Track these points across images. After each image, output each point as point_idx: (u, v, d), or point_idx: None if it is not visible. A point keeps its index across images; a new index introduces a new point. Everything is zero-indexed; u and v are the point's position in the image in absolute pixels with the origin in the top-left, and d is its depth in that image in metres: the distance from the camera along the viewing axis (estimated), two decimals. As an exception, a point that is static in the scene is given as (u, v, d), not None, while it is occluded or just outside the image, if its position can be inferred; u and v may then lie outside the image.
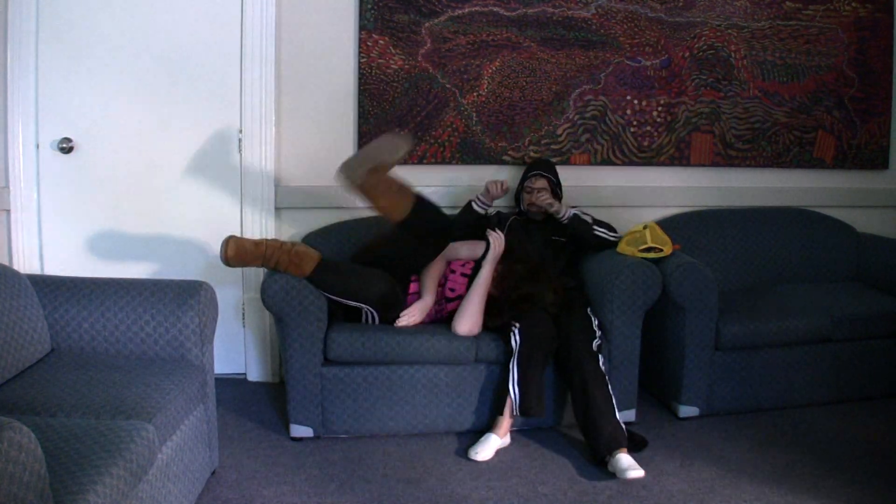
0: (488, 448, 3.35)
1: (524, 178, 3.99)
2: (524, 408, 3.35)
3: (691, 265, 3.66)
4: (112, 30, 3.81)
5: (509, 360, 3.40)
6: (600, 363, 3.43)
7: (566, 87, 4.24)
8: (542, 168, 3.98)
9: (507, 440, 3.45)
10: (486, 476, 3.20)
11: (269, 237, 3.72)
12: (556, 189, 3.94)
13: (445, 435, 3.53)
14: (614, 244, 3.84)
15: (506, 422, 3.42)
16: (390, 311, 3.48)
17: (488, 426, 3.47)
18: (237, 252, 3.27)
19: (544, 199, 3.83)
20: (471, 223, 3.88)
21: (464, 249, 3.70)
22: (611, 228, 3.90)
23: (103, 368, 2.69)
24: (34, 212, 3.86)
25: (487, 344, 3.47)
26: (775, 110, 4.50)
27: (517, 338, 3.39)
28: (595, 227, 3.83)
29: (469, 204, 3.94)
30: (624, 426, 3.35)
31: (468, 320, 3.46)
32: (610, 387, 3.40)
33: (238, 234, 3.57)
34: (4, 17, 3.70)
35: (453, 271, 3.66)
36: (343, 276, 3.40)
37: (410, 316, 3.50)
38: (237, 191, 4.01)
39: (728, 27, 4.37)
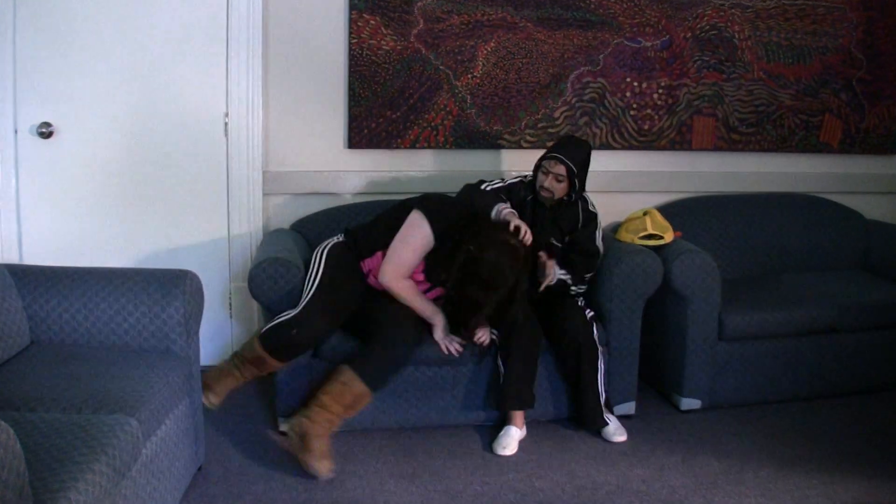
0: (512, 441, 3.39)
1: (544, 157, 3.59)
2: (506, 401, 3.41)
3: (693, 253, 3.66)
4: (92, 10, 3.77)
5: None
6: (594, 333, 3.48)
7: (563, 68, 4.22)
8: (566, 151, 3.53)
9: (524, 431, 3.48)
10: (480, 471, 3.20)
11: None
12: (575, 179, 3.52)
13: (439, 429, 3.53)
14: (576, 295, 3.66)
15: (519, 413, 3.46)
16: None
17: (503, 420, 3.49)
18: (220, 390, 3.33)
19: (549, 269, 3.50)
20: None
21: (411, 255, 3.38)
22: (586, 269, 3.60)
23: (85, 361, 2.68)
24: (12, 199, 3.83)
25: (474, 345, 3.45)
26: (780, 93, 4.49)
27: (496, 332, 3.44)
28: (573, 287, 3.58)
29: (490, 194, 3.56)
30: (604, 395, 3.51)
31: None
32: (601, 361, 3.50)
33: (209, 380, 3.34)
34: (-21, -4, 3.68)
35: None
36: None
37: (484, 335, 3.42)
38: (223, 176, 3.99)
39: (731, 6, 4.35)
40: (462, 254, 3.21)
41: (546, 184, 3.54)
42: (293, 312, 3.24)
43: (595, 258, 3.61)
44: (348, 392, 3.15)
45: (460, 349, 3.37)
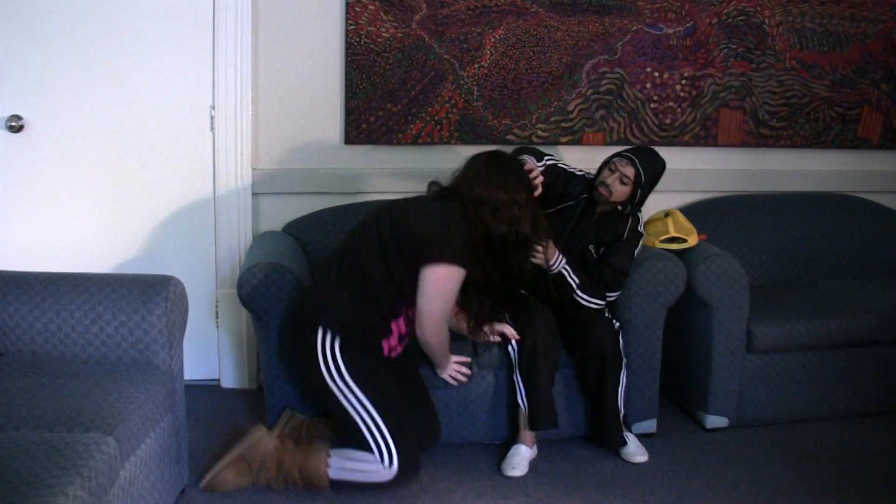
0: (523, 461, 3.39)
1: (617, 154, 3.58)
2: (534, 422, 3.40)
3: (719, 257, 3.65)
4: (67, -6, 3.78)
5: (511, 371, 3.43)
6: (620, 343, 3.48)
7: (578, 57, 4.22)
8: (640, 156, 3.53)
9: (535, 450, 3.47)
10: (488, 494, 3.19)
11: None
12: (638, 189, 3.53)
13: (444, 448, 3.51)
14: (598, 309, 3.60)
15: (528, 432, 3.45)
16: None
17: (512, 438, 3.48)
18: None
19: (539, 257, 3.43)
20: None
21: (451, 304, 3.14)
22: (608, 285, 3.54)
23: (58, 375, 2.68)
24: (-20, 198, 3.85)
25: (490, 349, 3.44)
26: (814, 84, 4.48)
27: (514, 345, 3.41)
28: (579, 292, 3.51)
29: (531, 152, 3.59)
30: (622, 411, 3.50)
31: None
32: (624, 374, 3.49)
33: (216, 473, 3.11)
34: (-55, -21, 3.68)
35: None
36: None
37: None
38: (209, 174, 3.99)
39: (761, -10, 4.36)
40: (472, 207, 3.09)
41: (609, 180, 3.52)
42: (381, 469, 2.94)
43: (624, 276, 3.57)
44: (315, 479, 3.03)
45: (468, 372, 3.36)
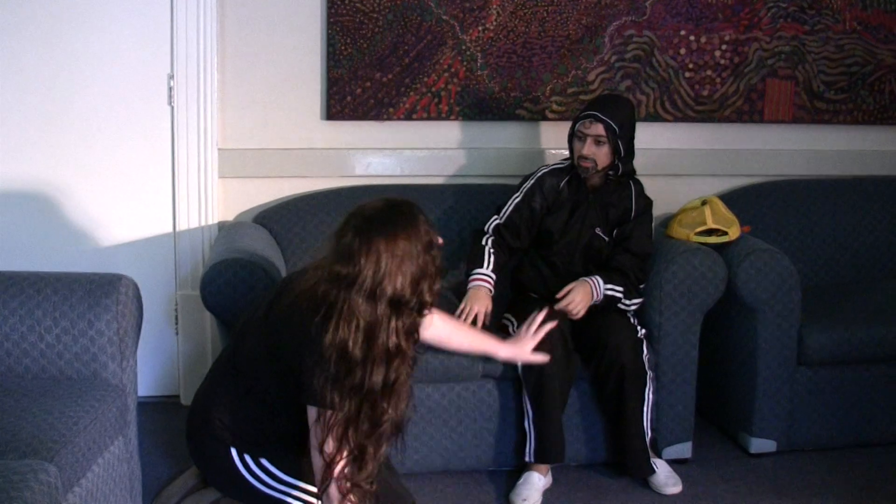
0: (534, 491, 3.39)
1: (577, 120, 3.63)
2: (541, 454, 3.41)
3: (765, 253, 3.65)
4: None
5: (519, 385, 3.45)
6: (644, 355, 3.49)
7: (600, 18, 4.21)
8: (602, 108, 3.57)
9: (549, 479, 3.48)
10: (495, 531, 3.20)
11: None
12: (619, 142, 3.53)
13: (445, 475, 3.53)
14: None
15: None
16: None
17: (522, 465, 3.49)
18: None
19: (573, 306, 3.48)
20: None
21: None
22: (637, 276, 3.60)
23: (-10, 391, 2.68)
24: None
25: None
26: (879, 49, 4.47)
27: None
28: (626, 301, 3.55)
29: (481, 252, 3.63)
30: (650, 433, 3.50)
31: None
32: (649, 391, 3.50)
33: None
34: None
35: None
36: None
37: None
38: (167, 155, 4.00)
39: (816, -61, 4.35)
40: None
41: (584, 151, 3.55)
42: None
43: (648, 258, 3.63)
44: None
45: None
